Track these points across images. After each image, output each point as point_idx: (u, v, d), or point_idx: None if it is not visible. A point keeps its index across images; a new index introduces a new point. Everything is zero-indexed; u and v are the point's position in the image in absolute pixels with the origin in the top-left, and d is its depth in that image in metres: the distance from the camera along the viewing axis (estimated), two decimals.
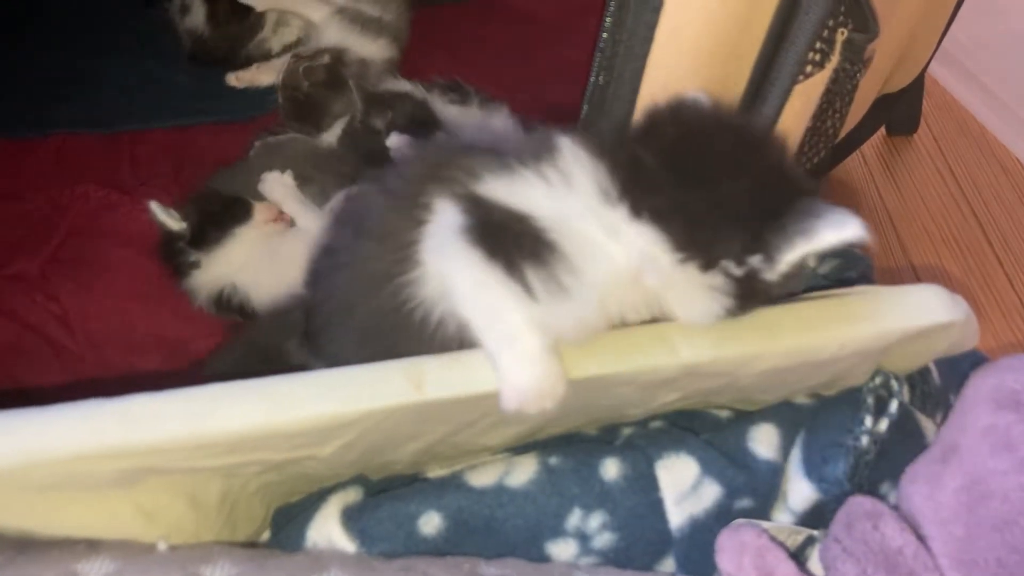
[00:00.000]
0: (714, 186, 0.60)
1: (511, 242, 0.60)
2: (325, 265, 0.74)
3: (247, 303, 1.07)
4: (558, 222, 0.60)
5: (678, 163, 0.62)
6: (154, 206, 1.07)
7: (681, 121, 0.65)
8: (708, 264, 0.60)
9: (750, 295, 0.61)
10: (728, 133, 0.64)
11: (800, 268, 0.60)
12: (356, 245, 0.69)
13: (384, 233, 0.66)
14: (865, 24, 0.76)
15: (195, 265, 1.08)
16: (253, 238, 1.08)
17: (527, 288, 0.59)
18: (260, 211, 1.09)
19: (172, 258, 1.09)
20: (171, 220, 1.07)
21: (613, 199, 0.61)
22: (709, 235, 0.60)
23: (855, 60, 0.78)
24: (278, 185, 1.10)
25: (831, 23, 0.73)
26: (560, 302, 0.59)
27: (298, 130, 1.27)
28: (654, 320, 0.64)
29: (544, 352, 0.59)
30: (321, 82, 1.28)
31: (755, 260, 0.59)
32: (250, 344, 0.91)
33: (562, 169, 0.63)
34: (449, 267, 0.61)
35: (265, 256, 1.07)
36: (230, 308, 1.08)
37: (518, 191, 0.62)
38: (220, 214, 1.09)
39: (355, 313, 0.69)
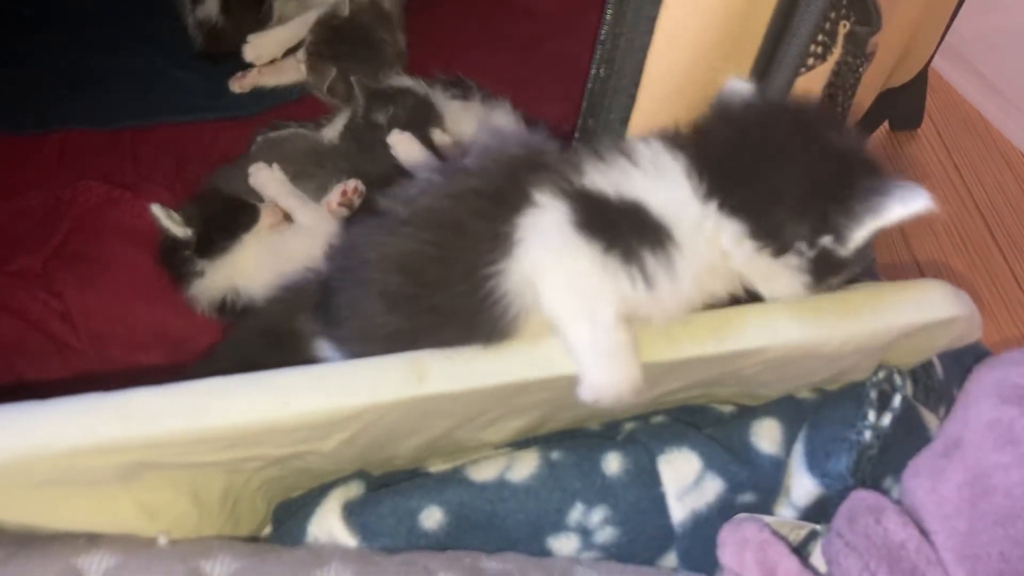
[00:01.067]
0: (775, 177, 0.63)
1: (628, 230, 0.61)
2: (356, 255, 0.72)
3: (249, 305, 1.06)
4: (666, 209, 0.63)
5: (740, 158, 0.64)
6: (156, 209, 1.04)
7: (734, 117, 0.67)
8: (782, 249, 0.63)
9: (827, 271, 0.64)
10: (780, 122, 0.66)
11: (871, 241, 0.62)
12: (414, 234, 0.66)
13: (459, 223, 0.65)
14: (867, 17, 0.76)
15: (199, 274, 1.06)
16: (257, 242, 1.07)
17: (645, 274, 0.61)
18: (266, 215, 1.07)
19: (176, 266, 1.07)
20: (174, 225, 1.04)
21: (700, 190, 0.64)
22: (778, 224, 0.62)
23: (858, 53, 0.78)
24: (270, 181, 1.09)
25: (833, 15, 0.73)
26: (673, 287, 0.61)
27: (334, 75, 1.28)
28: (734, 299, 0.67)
29: (630, 347, 0.60)
30: (365, 6, 1.29)
31: (826, 240, 0.62)
32: (259, 326, 0.90)
33: (652, 161, 0.65)
34: (553, 259, 0.61)
35: (267, 257, 1.05)
36: (232, 312, 1.07)
37: (624, 181, 0.64)
38: (227, 221, 1.06)
39: (416, 302, 0.66)
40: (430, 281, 0.65)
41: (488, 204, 0.65)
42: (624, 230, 0.62)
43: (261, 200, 1.10)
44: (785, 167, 0.63)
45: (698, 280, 0.63)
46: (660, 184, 0.64)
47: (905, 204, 0.60)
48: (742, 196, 0.63)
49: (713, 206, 0.63)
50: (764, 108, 0.68)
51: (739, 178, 0.63)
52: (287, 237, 1.07)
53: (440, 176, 0.70)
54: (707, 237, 0.63)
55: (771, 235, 0.63)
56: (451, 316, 0.64)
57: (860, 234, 0.61)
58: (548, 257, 0.62)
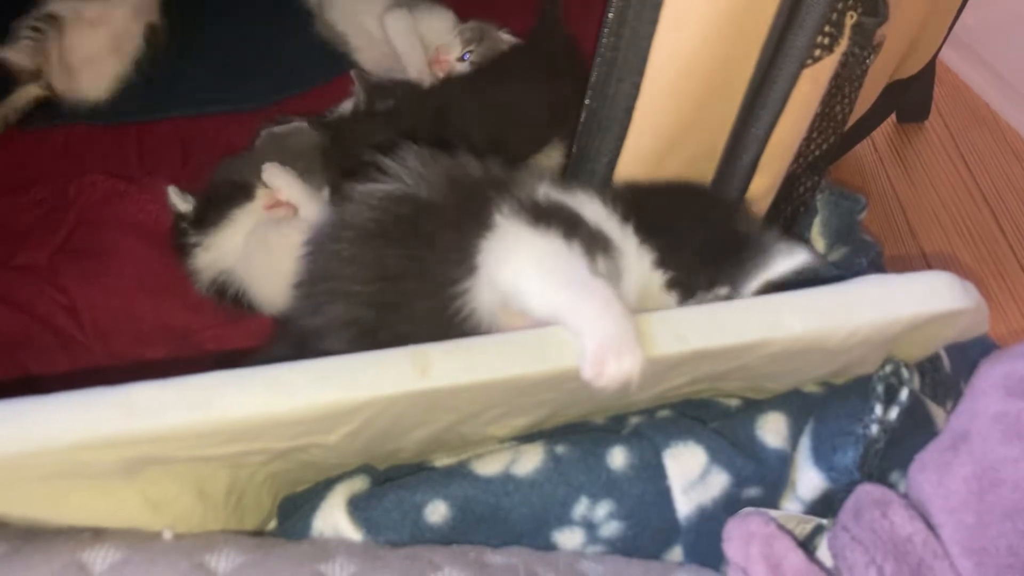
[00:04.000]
0: (683, 243, 0.72)
1: (582, 232, 0.67)
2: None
3: (243, 293, 1.07)
4: (602, 227, 0.70)
5: (659, 226, 0.73)
6: (171, 190, 1.09)
7: (651, 194, 0.77)
8: (687, 295, 0.71)
9: None
10: (686, 204, 0.78)
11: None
12: (386, 246, 0.71)
13: (430, 236, 0.70)
14: (875, 8, 0.75)
15: (196, 245, 1.08)
16: (251, 224, 1.08)
17: (596, 271, 0.65)
18: (262, 196, 1.09)
19: (177, 238, 1.09)
20: (181, 202, 1.09)
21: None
22: (685, 277, 0.71)
23: (865, 45, 0.77)
24: (282, 175, 1.09)
25: (840, 6, 0.72)
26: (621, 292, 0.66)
27: None
28: None
29: (619, 301, 0.61)
30: None
31: (723, 291, 0.70)
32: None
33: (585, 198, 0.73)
34: (522, 254, 0.66)
35: (260, 245, 1.05)
36: (226, 296, 1.08)
37: (569, 199, 0.72)
38: (222, 196, 1.09)
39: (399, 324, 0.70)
40: (407, 291, 0.69)
41: (453, 219, 0.70)
42: (578, 230, 0.67)
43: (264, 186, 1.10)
44: (692, 236, 0.73)
45: (636, 296, 0.69)
46: (593, 208, 0.72)
47: (788, 259, 0.70)
48: (658, 253, 0.71)
49: (647, 258, 0.72)
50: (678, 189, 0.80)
51: (658, 242, 0.72)
52: (284, 231, 1.06)
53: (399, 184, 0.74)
54: (637, 260, 0.71)
55: (679, 284, 0.71)
56: (424, 328, 0.67)
57: (753, 285, 0.70)
58: (514, 255, 0.66)
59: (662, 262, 0.71)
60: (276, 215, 1.08)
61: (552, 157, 1.13)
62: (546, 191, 0.72)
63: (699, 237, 0.73)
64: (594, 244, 0.67)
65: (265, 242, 1.05)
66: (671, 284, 0.71)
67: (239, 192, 1.09)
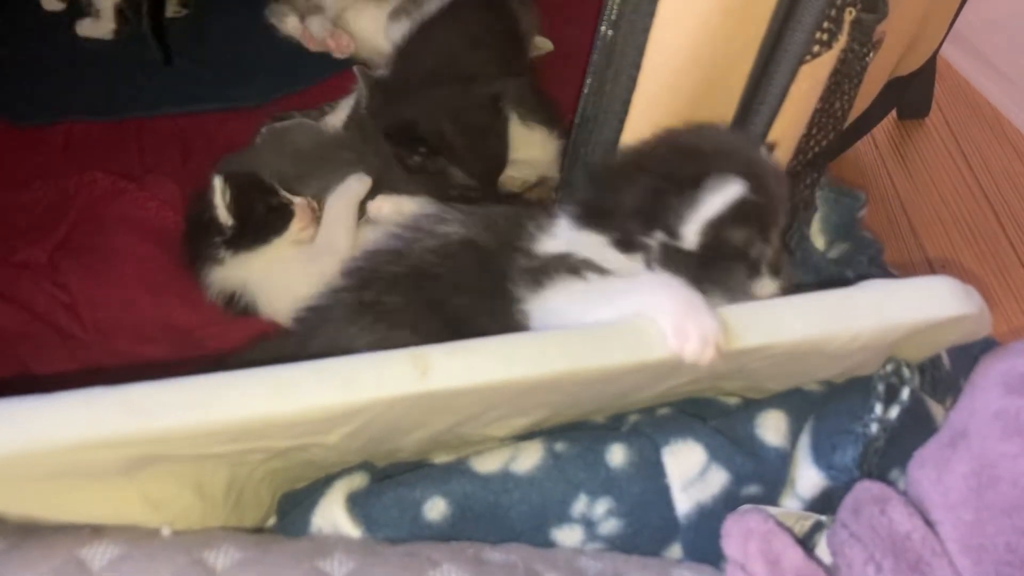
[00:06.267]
0: (617, 195, 0.73)
1: (580, 266, 0.71)
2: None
3: (253, 309, 1.07)
4: (589, 254, 0.72)
5: (601, 189, 0.76)
6: (218, 182, 1.04)
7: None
8: (628, 246, 0.72)
9: (685, 265, 0.70)
10: (627, 161, 0.77)
11: (729, 240, 0.70)
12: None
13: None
14: (874, 4, 0.75)
15: (219, 262, 1.06)
16: (281, 248, 1.07)
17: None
18: (299, 216, 1.07)
19: (199, 246, 1.07)
20: (223, 206, 1.04)
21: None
22: (620, 228, 0.72)
23: (864, 41, 0.77)
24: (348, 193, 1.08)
25: (839, 2, 0.72)
26: None
27: None
28: None
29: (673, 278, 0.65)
30: None
31: (660, 235, 0.70)
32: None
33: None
34: (558, 307, 0.70)
35: (284, 271, 1.05)
36: (237, 308, 1.07)
37: (557, 242, 0.75)
38: (264, 221, 1.06)
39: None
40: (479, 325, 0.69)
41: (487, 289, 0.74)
42: (579, 268, 0.71)
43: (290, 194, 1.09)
44: (625, 186, 0.73)
45: None
46: (577, 238, 0.74)
47: (717, 195, 0.68)
48: (601, 214, 0.73)
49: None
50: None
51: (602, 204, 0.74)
52: (304, 257, 1.06)
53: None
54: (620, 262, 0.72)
55: (620, 236, 0.72)
56: None
57: (690, 227, 0.68)
58: (557, 315, 0.69)
59: (609, 233, 0.73)
60: (308, 235, 1.08)
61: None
62: (541, 242, 0.75)
63: (635, 199, 0.72)
64: (592, 270, 0.70)
65: (291, 271, 1.05)
66: (618, 246, 0.72)
67: (279, 217, 1.07)
